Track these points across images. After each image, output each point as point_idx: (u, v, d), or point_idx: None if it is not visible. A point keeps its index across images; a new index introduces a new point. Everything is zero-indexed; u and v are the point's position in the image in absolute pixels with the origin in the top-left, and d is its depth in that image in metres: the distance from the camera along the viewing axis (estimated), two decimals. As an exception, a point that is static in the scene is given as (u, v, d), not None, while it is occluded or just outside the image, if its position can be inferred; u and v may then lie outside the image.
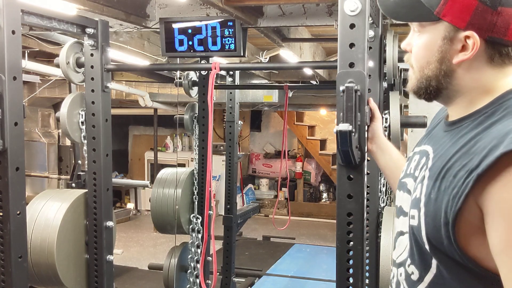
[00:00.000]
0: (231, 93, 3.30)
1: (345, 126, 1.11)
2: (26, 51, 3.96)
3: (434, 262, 0.93)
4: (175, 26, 2.33)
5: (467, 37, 0.91)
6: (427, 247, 0.92)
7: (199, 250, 2.89)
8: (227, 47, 2.29)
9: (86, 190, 2.11)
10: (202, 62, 2.73)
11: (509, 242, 0.79)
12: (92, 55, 2.04)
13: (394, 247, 1.10)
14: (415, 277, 0.98)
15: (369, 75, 1.70)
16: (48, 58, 4.51)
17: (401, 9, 0.98)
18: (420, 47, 0.98)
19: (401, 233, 1.06)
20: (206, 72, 2.75)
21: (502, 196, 0.79)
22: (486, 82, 0.94)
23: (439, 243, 0.89)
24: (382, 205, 1.99)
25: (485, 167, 0.80)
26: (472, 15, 0.89)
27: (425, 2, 0.93)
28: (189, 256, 2.90)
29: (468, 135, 0.90)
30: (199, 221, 2.89)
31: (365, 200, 1.22)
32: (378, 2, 1.00)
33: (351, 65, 1.16)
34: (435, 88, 0.98)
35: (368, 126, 1.33)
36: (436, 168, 0.93)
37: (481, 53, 0.91)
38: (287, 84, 3.07)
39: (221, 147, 8.08)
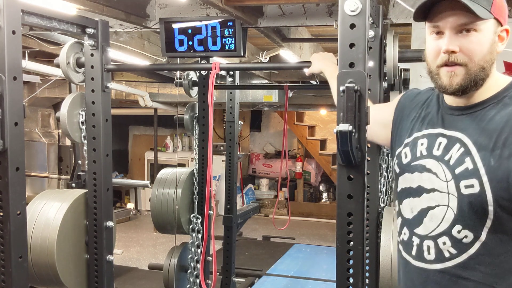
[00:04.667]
0: (231, 93, 3.30)
1: (345, 126, 1.11)
2: (26, 51, 3.96)
3: (489, 222, 1.12)
4: (175, 26, 2.33)
5: (503, 30, 1.18)
6: (490, 208, 1.11)
7: (199, 250, 2.89)
8: (227, 47, 2.29)
9: (86, 190, 2.11)
10: (202, 62, 2.73)
11: None
12: (92, 55, 2.04)
13: (420, 223, 1.24)
14: (468, 239, 1.15)
15: (369, 75, 1.70)
16: (48, 58, 4.51)
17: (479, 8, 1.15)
18: (476, 43, 1.15)
19: (430, 208, 1.21)
20: (206, 72, 2.75)
21: None
22: (496, 72, 1.20)
23: (506, 201, 1.09)
24: (382, 205, 1.99)
25: None
26: (506, 13, 1.18)
27: (483, 5, 1.13)
28: (189, 256, 2.90)
29: (502, 114, 1.14)
30: (199, 221, 2.89)
31: (365, 200, 1.21)
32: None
33: (351, 65, 1.16)
34: (482, 79, 1.17)
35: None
36: (484, 142, 1.13)
37: None
38: (287, 84, 3.07)
39: (221, 147, 8.07)
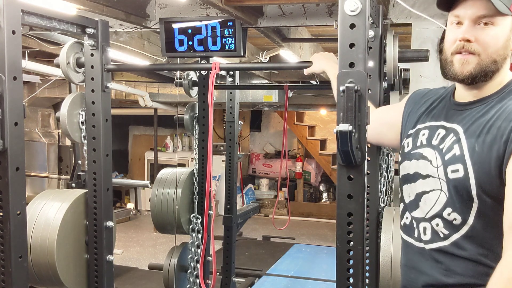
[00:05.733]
0: (231, 93, 3.30)
1: (345, 126, 1.11)
2: (26, 51, 3.96)
3: (475, 206, 1.17)
4: (175, 26, 2.33)
5: None
6: (473, 192, 1.16)
7: (199, 250, 2.89)
8: (227, 47, 2.29)
9: (86, 190, 2.11)
10: (202, 62, 2.73)
11: None
12: (92, 55, 2.04)
13: (417, 206, 1.32)
14: (457, 221, 1.21)
15: (369, 75, 1.70)
16: (48, 58, 4.51)
17: (499, 3, 1.18)
18: (491, 36, 1.19)
19: (424, 192, 1.29)
20: (206, 72, 2.75)
21: None
22: (507, 68, 1.24)
23: (488, 184, 1.14)
24: (382, 205, 1.99)
25: None
26: None
27: (504, 1, 1.17)
28: (189, 256, 2.90)
29: (496, 106, 1.20)
30: (199, 221, 2.89)
31: (365, 200, 1.22)
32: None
33: (351, 65, 1.16)
34: (493, 71, 1.21)
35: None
36: (473, 130, 1.19)
37: None
38: (287, 84, 3.07)
39: (221, 147, 8.07)
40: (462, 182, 1.18)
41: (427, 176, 1.28)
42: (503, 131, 1.13)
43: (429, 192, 1.28)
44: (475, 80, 1.23)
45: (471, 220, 1.19)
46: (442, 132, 1.29)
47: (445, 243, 1.24)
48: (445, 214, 1.23)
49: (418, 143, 1.34)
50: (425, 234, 1.29)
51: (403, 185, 1.38)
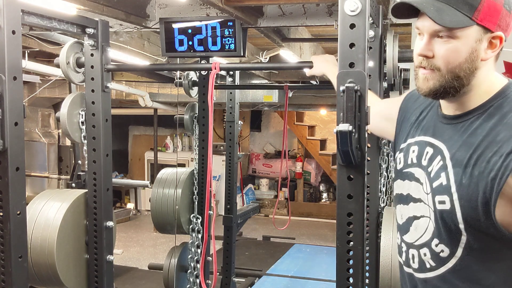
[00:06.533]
0: (231, 93, 3.30)
1: (345, 126, 1.11)
2: (26, 51, 3.96)
3: (463, 238, 1.09)
4: (175, 26, 2.33)
5: (495, 37, 1.08)
6: (461, 226, 1.08)
7: (199, 250, 2.89)
8: (227, 47, 2.29)
9: (86, 190, 2.11)
10: (202, 62, 2.73)
11: None
12: (92, 55, 2.04)
13: (407, 230, 1.25)
14: (445, 254, 1.14)
15: (369, 75, 1.70)
16: (48, 58, 4.51)
17: (446, 16, 1.07)
18: (451, 50, 1.09)
19: (415, 218, 1.21)
20: (206, 72, 2.75)
21: None
22: (492, 77, 1.13)
23: (475, 220, 1.06)
24: (382, 205, 1.99)
25: None
26: (499, 19, 1.07)
27: (464, 11, 1.05)
28: (189, 256, 2.90)
29: (484, 126, 1.09)
30: (199, 221, 2.89)
31: (365, 200, 1.22)
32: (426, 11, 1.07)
33: (351, 65, 1.16)
34: (455, 88, 1.11)
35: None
36: (460, 157, 1.09)
37: None
38: (287, 84, 3.07)
39: (221, 147, 8.07)
40: (449, 214, 1.10)
41: (419, 200, 1.21)
42: (492, 167, 1.03)
43: (419, 218, 1.20)
44: (436, 96, 1.15)
45: (459, 252, 1.11)
46: (430, 151, 1.20)
47: (431, 274, 1.17)
48: (433, 245, 1.16)
49: (409, 161, 1.27)
50: (413, 262, 1.22)
51: (397, 205, 1.32)
